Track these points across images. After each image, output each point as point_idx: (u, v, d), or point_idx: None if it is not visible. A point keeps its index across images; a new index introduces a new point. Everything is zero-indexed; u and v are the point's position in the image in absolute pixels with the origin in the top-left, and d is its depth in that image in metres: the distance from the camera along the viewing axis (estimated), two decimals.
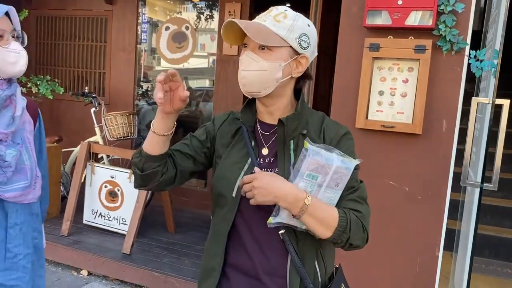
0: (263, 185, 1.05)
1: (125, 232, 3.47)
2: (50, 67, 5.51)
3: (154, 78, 5.39)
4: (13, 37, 1.39)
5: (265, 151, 1.21)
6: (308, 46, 1.14)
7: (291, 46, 1.12)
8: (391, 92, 2.30)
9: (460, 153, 2.30)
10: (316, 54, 1.23)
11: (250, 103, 1.25)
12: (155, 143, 1.14)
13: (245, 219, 1.17)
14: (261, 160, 1.20)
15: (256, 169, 1.13)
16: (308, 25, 1.15)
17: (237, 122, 1.26)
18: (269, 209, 1.09)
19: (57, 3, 5.34)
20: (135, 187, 1.25)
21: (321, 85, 4.99)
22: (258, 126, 1.23)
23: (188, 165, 1.24)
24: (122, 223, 3.61)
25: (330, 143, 1.15)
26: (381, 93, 2.31)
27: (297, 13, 1.16)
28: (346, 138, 1.20)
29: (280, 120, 1.14)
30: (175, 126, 1.15)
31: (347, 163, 1.06)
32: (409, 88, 2.26)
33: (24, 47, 1.43)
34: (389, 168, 2.36)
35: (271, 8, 1.17)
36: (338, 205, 1.11)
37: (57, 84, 4.64)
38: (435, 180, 2.31)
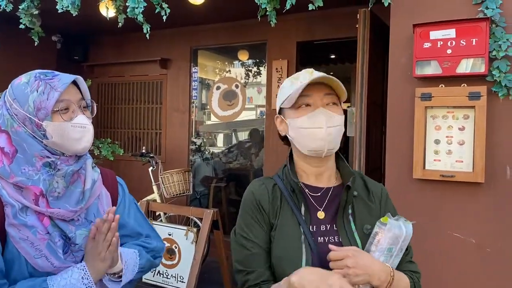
0: (358, 265, 1.00)
1: None
2: (110, 130, 5.87)
3: (205, 133, 5.59)
4: (80, 107, 1.27)
5: (321, 215, 1.14)
6: None
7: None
8: (448, 141, 2.24)
9: None
10: None
11: (289, 164, 1.19)
12: None
13: None
14: (315, 227, 1.13)
15: (339, 248, 1.05)
16: None
17: (276, 188, 1.18)
18: None
19: (116, 70, 5.76)
20: None
21: (372, 135, 4.94)
22: (306, 190, 1.17)
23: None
24: (180, 281, 3.64)
25: (380, 203, 1.15)
26: (437, 141, 2.27)
27: None
28: (388, 196, 1.19)
29: (347, 185, 1.11)
30: None
31: (409, 228, 1.06)
32: (466, 136, 2.20)
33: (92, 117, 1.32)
34: (452, 220, 2.26)
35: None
36: (398, 268, 1.10)
37: (117, 145, 4.91)
38: (503, 231, 2.18)
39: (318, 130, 1.09)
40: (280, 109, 1.20)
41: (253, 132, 5.28)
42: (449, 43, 2.17)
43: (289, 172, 1.16)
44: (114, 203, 1.41)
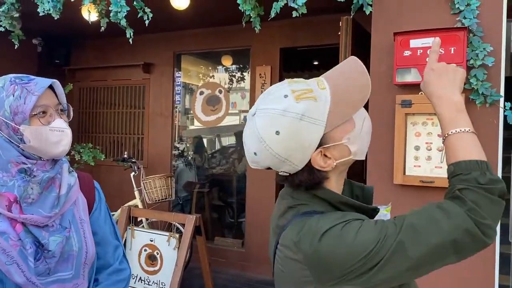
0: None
1: None
2: (92, 134, 5.80)
3: (188, 138, 5.57)
4: (57, 111, 1.26)
5: None
6: None
7: None
8: (427, 147, 2.29)
9: (507, 204, 2.22)
10: None
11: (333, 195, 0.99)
12: None
13: None
14: None
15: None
16: None
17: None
18: None
19: (99, 75, 5.71)
20: None
21: None
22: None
23: None
24: (162, 287, 3.60)
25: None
26: (417, 148, 2.31)
27: None
28: (373, 196, 1.20)
29: None
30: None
31: (387, 217, 1.10)
32: None
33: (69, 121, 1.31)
34: None
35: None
36: None
37: (99, 150, 4.86)
38: None
39: (369, 142, 1.02)
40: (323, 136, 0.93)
41: (239, 136, 5.29)
42: (428, 51, 2.21)
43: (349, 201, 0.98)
44: (90, 208, 1.39)
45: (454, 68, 1.03)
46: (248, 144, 0.96)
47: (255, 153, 0.94)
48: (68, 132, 1.27)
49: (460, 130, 0.95)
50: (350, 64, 0.98)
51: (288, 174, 0.96)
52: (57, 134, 1.23)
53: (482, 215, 0.86)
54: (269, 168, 0.98)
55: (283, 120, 0.89)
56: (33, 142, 1.20)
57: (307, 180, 0.95)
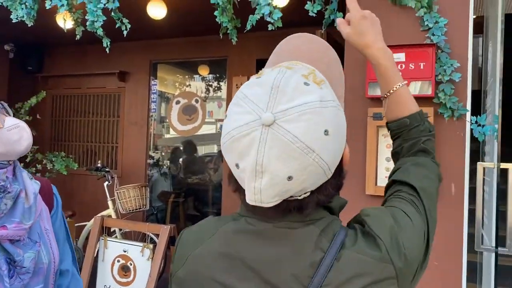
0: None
1: None
2: (65, 143, 5.70)
3: (163, 147, 5.53)
4: (1, 112, 1.26)
5: None
6: None
7: None
8: None
9: (472, 214, 2.31)
10: None
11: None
12: None
13: None
14: None
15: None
16: None
17: None
18: None
19: (73, 82, 5.63)
20: None
21: None
22: None
23: None
24: None
25: None
26: (388, 159, 2.37)
27: None
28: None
29: None
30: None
31: None
32: None
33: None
34: None
35: None
36: None
37: (72, 159, 4.77)
38: (449, 245, 2.29)
39: None
40: None
41: (215, 144, 5.29)
42: (399, 66, 2.30)
43: None
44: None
45: (375, 16, 1.01)
46: (276, 171, 0.64)
47: (289, 178, 0.65)
48: (23, 125, 1.27)
49: (405, 83, 0.98)
50: (310, 40, 0.89)
51: (308, 193, 0.70)
52: (16, 132, 1.23)
53: (435, 156, 0.99)
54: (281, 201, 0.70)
55: (326, 114, 0.67)
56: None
57: (335, 189, 0.76)
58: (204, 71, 5.22)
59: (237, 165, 0.69)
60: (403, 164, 0.95)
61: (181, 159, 5.59)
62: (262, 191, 0.65)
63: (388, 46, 2.35)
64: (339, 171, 0.76)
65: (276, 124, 0.63)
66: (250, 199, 0.68)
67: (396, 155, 1.02)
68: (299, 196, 0.69)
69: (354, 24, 0.99)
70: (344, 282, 0.68)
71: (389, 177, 0.97)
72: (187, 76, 5.39)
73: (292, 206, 0.70)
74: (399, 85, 0.97)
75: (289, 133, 0.63)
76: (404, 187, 0.88)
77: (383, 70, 0.97)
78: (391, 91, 0.97)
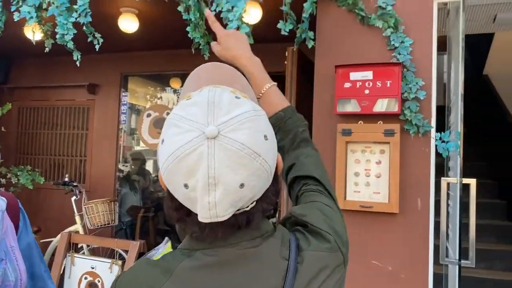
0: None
1: None
2: (31, 156, 5.54)
3: (133, 160, 5.45)
4: None
5: None
6: None
7: None
8: (366, 173, 2.41)
9: (438, 227, 2.38)
10: None
11: None
12: None
13: None
14: None
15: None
16: None
17: None
18: None
19: (40, 94, 5.50)
20: None
21: None
22: None
23: None
24: None
25: None
26: (356, 174, 2.43)
27: None
28: None
29: None
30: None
31: None
32: (382, 169, 2.38)
33: None
34: (371, 248, 2.41)
35: None
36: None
37: (38, 173, 4.64)
38: (416, 257, 2.35)
39: None
40: None
41: None
42: (367, 84, 2.37)
43: None
44: (16, 230, 1.29)
45: (239, 32, 1.19)
46: (228, 180, 0.67)
47: (241, 186, 0.68)
48: None
49: (274, 84, 1.11)
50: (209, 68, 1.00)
51: (254, 203, 0.73)
52: None
53: (313, 143, 1.10)
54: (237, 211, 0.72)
55: (261, 121, 0.72)
56: None
57: (275, 196, 0.78)
58: (176, 83, 5.20)
59: (185, 185, 0.68)
60: (296, 160, 1.03)
61: (151, 172, 5.52)
62: (217, 204, 0.67)
63: (356, 64, 2.44)
64: (276, 176, 0.78)
65: (221, 135, 0.66)
66: (204, 216, 0.69)
67: (280, 150, 1.01)
68: (247, 207, 0.72)
69: (221, 41, 1.15)
70: (311, 280, 0.75)
71: (286, 173, 1.03)
72: (158, 88, 5.36)
73: (240, 220, 0.72)
74: (268, 86, 1.09)
75: (236, 142, 0.66)
76: (308, 180, 0.98)
77: (250, 76, 1.11)
78: (263, 91, 1.09)
